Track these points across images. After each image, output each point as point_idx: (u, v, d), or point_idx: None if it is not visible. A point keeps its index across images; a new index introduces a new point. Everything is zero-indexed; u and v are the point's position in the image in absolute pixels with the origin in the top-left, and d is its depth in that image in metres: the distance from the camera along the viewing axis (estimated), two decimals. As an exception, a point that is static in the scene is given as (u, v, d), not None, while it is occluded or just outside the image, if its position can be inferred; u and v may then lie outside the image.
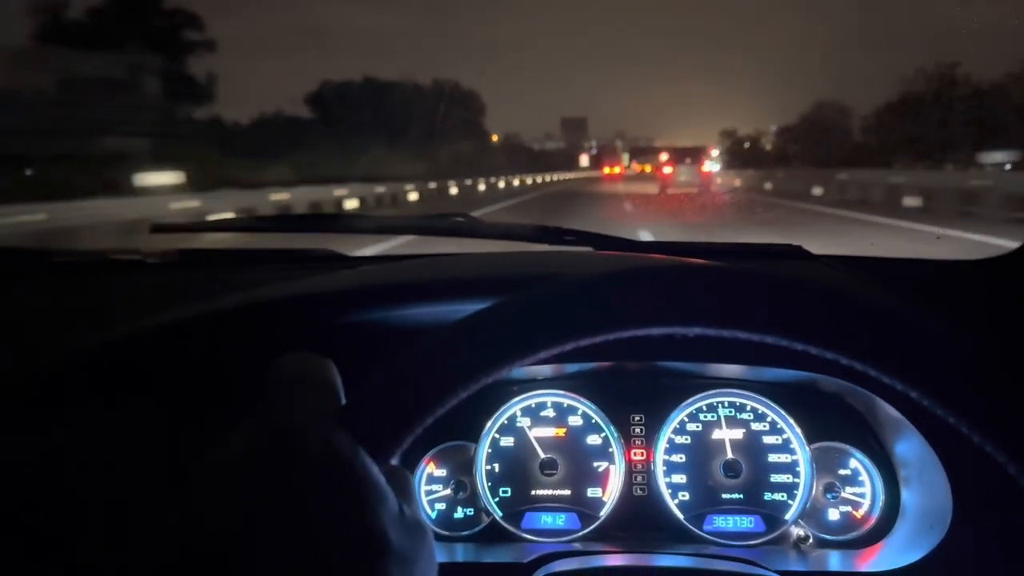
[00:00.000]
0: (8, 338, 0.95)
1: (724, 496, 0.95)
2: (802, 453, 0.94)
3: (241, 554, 0.35)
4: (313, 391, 0.43)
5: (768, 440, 0.96)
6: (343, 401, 0.44)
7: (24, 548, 0.73)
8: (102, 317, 1.01)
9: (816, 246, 1.22)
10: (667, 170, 19.33)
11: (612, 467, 0.96)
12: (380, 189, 18.32)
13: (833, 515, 0.94)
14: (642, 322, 0.45)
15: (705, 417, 0.97)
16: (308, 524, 0.36)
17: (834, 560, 0.90)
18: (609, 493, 0.96)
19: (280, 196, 13.76)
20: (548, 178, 39.38)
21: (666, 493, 0.95)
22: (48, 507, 0.76)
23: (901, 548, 0.88)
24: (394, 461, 0.43)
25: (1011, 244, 1.07)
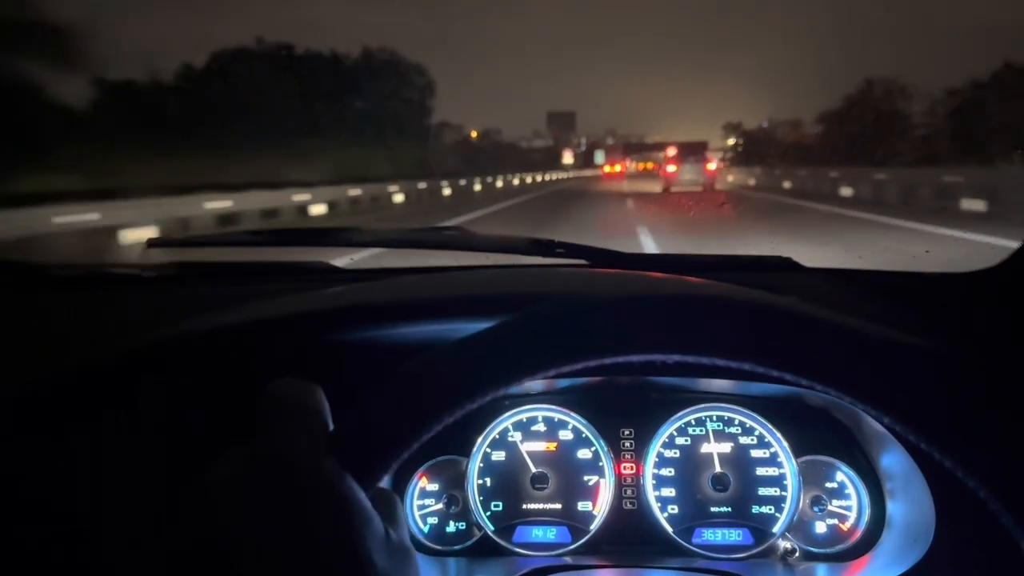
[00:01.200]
0: (4, 351, 0.97)
1: (712, 509, 0.96)
2: (789, 467, 0.95)
3: None
4: (301, 417, 0.45)
5: (756, 454, 0.97)
6: (331, 427, 0.45)
7: (18, 564, 0.74)
8: (97, 332, 1.02)
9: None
10: (670, 168, 19.25)
11: (602, 481, 0.98)
12: (220, 203, 11.07)
13: (820, 528, 0.96)
14: (625, 350, 0.46)
15: (694, 431, 0.98)
16: (295, 548, 0.37)
17: (821, 573, 0.91)
18: (599, 507, 0.97)
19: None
20: (535, 179, 33.98)
21: (655, 507, 0.96)
22: (41, 524, 0.77)
23: (887, 561, 0.89)
24: (384, 483, 0.44)
25: None
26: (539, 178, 35.25)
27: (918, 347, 0.44)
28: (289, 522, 0.38)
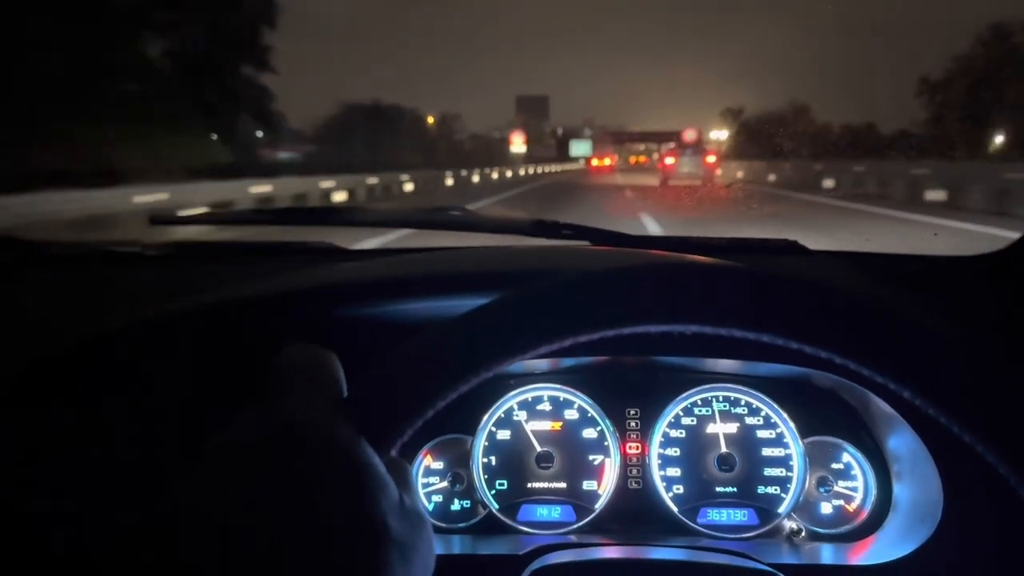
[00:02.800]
0: (5, 328, 0.96)
1: (718, 489, 0.96)
2: (795, 447, 0.95)
3: (243, 541, 0.36)
4: (316, 382, 0.44)
5: (762, 434, 0.97)
6: (345, 392, 0.45)
7: (27, 536, 0.73)
8: (100, 309, 1.01)
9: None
10: (669, 160, 19.17)
11: (607, 460, 0.97)
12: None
13: (826, 509, 0.95)
14: (643, 319, 0.45)
15: (700, 411, 0.98)
16: (310, 512, 0.37)
17: (826, 553, 0.91)
18: (604, 486, 0.96)
19: None
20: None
21: (661, 486, 0.95)
22: (48, 492, 0.77)
23: (893, 541, 0.89)
24: (394, 452, 0.44)
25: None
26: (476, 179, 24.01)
27: (936, 320, 0.43)
28: (303, 485, 0.38)
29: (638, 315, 0.45)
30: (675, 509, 0.95)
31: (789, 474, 0.95)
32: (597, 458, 0.98)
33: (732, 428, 0.97)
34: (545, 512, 0.96)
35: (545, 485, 0.97)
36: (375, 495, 0.39)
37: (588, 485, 0.97)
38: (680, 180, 17.35)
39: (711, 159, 18.03)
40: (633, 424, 0.98)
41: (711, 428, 0.97)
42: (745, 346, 0.45)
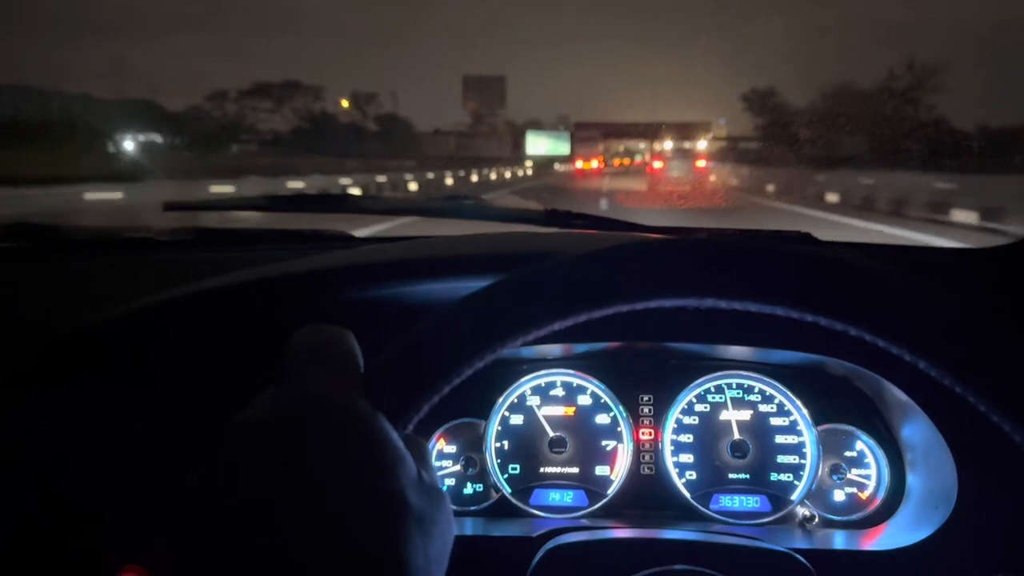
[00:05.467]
0: (18, 313, 0.96)
1: (731, 476, 0.96)
2: (809, 435, 0.95)
3: (263, 518, 0.36)
4: (334, 360, 0.44)
5: (775, 422, 0.97)
6: (363, 369, 0.45)
7: (46, 514, 0.74)
8: (113, 294, 1.01)
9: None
10: (657, 164, 19.12)
11: (620, 446, 0.97)
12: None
13: (838, 496, 0.95)
14: (655, 293, 0.45)
15: (713, 398, 0.98)
16: (330, 487, 0.37)
17: (838, 540, 0.91)
18: (617, 471, 0.97)
19: None
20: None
21: (673, 472, 0.96)
22: (66, 470, 0.77)
23: (905, 528, 0.89)
24: (410, 428, 0.44)
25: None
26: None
27: (951, 295, 0.43)
28: (322, 461, 0.38)
29: (648, 290, 0.45)
30: (687, 495, 0.95)
31: (802, 461, 0.95)
32: (610, 444, 0.98)
33: (745, 415, 0.97)
34: (557, 496, 0.96)
35: (558, 470, 0.97)
36: (394, 469, 0.39)
37: (601, 470, 0.97)
38: (669, 184, 17.25)
39: (701, 163, 17.84)
40: (646, 410, 0.98)
41: (724, 415, 0.97)
42: (760, 330, 0.45)
